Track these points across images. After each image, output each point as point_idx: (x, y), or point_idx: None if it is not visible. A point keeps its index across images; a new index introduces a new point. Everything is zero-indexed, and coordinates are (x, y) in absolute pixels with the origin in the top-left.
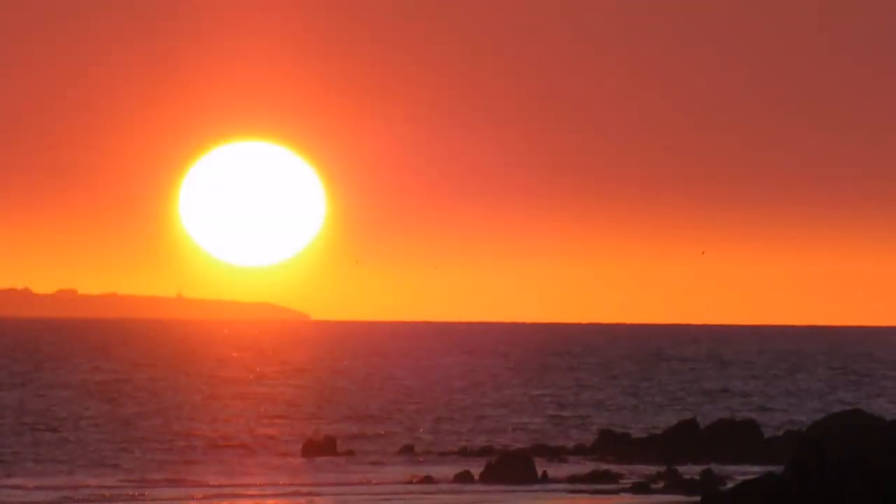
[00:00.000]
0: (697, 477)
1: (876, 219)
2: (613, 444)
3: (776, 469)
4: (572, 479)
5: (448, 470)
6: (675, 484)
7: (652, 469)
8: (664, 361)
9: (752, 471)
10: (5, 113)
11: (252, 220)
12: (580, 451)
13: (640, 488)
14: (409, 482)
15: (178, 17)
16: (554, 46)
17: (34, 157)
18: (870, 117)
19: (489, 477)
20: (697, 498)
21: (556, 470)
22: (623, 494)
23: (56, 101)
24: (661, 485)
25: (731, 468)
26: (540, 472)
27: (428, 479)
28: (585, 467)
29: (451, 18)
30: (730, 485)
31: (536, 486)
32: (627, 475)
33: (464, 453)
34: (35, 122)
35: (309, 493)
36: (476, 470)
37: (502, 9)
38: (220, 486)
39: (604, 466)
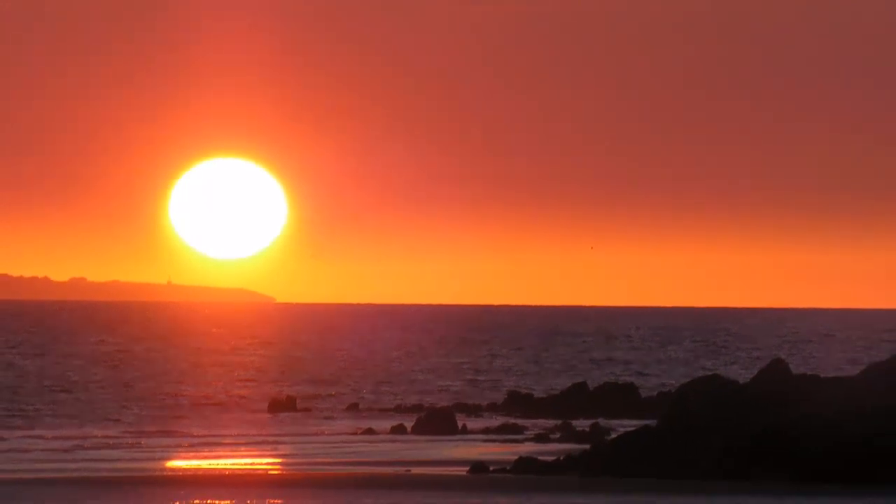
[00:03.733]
0: (587, 429)
1: (731, 219)
2: (519, 403)
3: (651, 422)
4: (486, 431)
5: (386, 423)
6: (570, 435)
7: (550, 423)
8: (560, 336)
9: (632, 424)
10: (30, 135)
11: (228, 221)
12: (493, 408)
13: (541, 438)
14: (355, 433)
15: (172, 59)
16: (470, 81)
17: (53, 171)
18: (727, 127)
19: (419, 429)
20: (587, 446)
21: (473, 423)
22: (527, 443)
23: (70, 126)
24: (558, 435)
25: (614, 422)
26: (460, 425)
27: (370, 431)
28: (497, 421)
29: (385, 59)
30: (613, 435)
31: (457, 437)
32: (531, 427)
33: (399, 410)
34: (53, 141)
35: (274, 442)
36: (409, 423)
37: (428, 51)
38: (202, 436)
39: (512, 420)
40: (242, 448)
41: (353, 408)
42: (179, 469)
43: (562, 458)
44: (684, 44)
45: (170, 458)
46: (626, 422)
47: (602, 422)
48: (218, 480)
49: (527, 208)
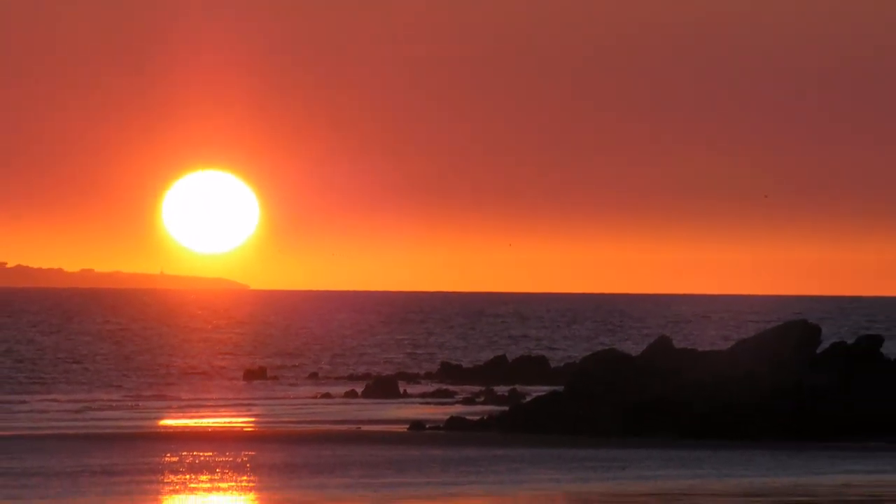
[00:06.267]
0: (507, 394)
1: (627, 220)
2: (450, 372)
3: (559, 388)
4: (423, 395)
5: (341, 389)
6: (492, 398)
7: (476, 388)
8: (484, 317)
9: (543, 389)
10: (47, 152)
11: (210, 222)
12: (429, 376)
13: (468, 401)
14: (315, 397)
15: (165, 91)
16: (410, 108)
17: (66, 181)
18: (623, 140)
19: (368, 393)
20: (507, 408)
21: (412, 389)
22: (457, 405)
23: (81, 144)
24: (482, 399)
25: (529, 388)
26: (402, 390)
27: (327, 395)
28: (432, 387)
29: (339, 90)
30: (528, 399)
31: (399, 400)
32: (460, 392)
33: (351, 378)
34: (66, 157)
35: (248, 404)
36: (359, 389)
37: (374, 84)
38: (189, 399)
39: (444, 387)
40: (222, 409)
41: (314, 376)
42: (170, 426)
43: (486, 417)
44: (582, 65)
45: (162, 418)
46: (538, 388)
47: (519, 388)
48: (202, 436)
49: (457, 212)
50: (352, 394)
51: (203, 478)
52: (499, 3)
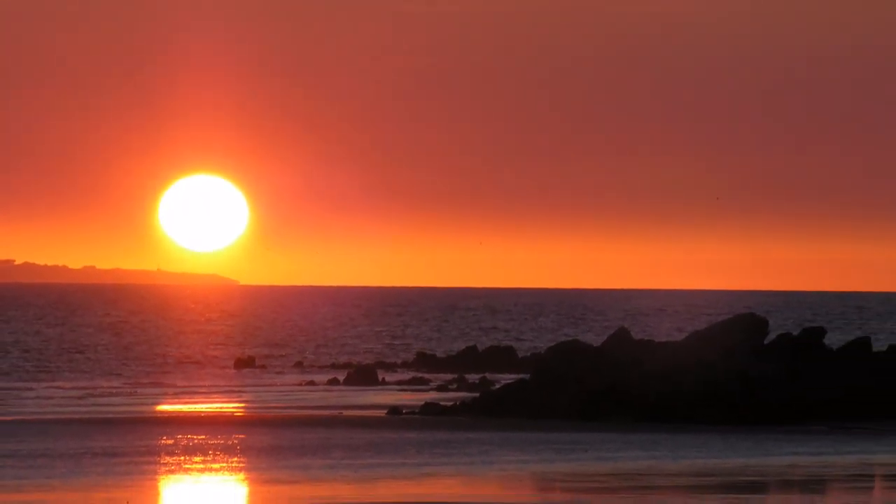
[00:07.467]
0: (477, 381)
1: (589, 219)
2: (425, 361)
3: (525, 376)
4: (400, 383)
5: (324, 377)
6: (464, 386)
7: (449, 376)
8: (457, 310)
9: (511, 377)
10: (53, 157)
11: (203, 222)
12: (405, 365)
13: (442, 388)
14: (300, 384)
15: (162, 101)
16: (385, 117)
17: (70, 183)
18: (587, 143)
19: (349, 381)
20: (477, 394)
21: (390, 377)
22: (431, 392)
23: (84, 150)
24: (455, 386)
25: (498, 376)
26: (380, 378)
27: (311, 383)
28: (408, 375)
29: (322, 101)
30: (497, 386)
31: (378, 387)
32: (434, 380)
33: (333, 366)
34: (71, 161)
35: (238, 391)
36: (341, 377)
37: (353, 95)
38: (184, 386)
39: (419, 375)
40: (214, 396)
41: (299, 365)
42: (166, 412)
43: (458, 403)
44: (544, 73)
45: (159, 403)
46: (506, 376)
47: (488, 376)
48: (195, 420)
49: (432, 213)
50: (334, 381)
51: (196, 459)
52: (471, 16)
